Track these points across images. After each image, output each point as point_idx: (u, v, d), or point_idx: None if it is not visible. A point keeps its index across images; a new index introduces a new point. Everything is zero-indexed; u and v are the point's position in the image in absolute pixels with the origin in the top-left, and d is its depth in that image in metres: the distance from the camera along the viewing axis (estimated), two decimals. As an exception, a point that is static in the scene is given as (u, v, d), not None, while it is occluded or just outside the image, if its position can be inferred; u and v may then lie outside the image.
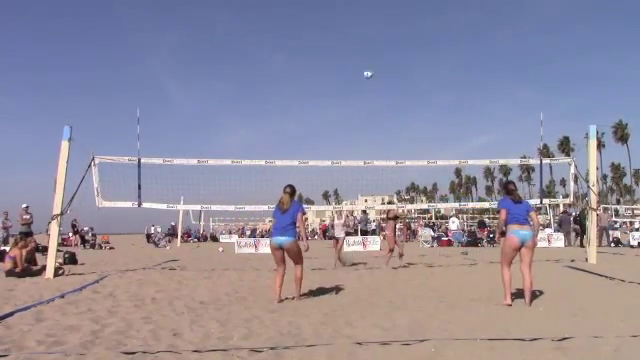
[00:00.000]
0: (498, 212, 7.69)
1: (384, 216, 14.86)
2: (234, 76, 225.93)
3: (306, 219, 8.54)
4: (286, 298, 8.03)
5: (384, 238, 14.56)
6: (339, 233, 14.82)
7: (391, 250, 13.73)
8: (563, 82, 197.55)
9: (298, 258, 8.02)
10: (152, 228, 38.15)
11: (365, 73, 13.47)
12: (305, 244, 8.09)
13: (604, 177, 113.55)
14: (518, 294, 7.45)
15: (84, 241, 28.26)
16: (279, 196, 8.13)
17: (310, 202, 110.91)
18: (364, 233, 27.73)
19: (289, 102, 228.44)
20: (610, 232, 25.59)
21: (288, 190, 8.04)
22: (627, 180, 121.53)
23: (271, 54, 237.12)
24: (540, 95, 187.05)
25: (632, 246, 23.06)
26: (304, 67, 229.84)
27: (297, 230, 7.96)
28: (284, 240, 7.80)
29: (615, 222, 33.06)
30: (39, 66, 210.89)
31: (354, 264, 14.09)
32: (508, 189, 7.60)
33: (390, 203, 18.39)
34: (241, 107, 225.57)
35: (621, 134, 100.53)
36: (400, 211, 15.58)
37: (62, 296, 8.29)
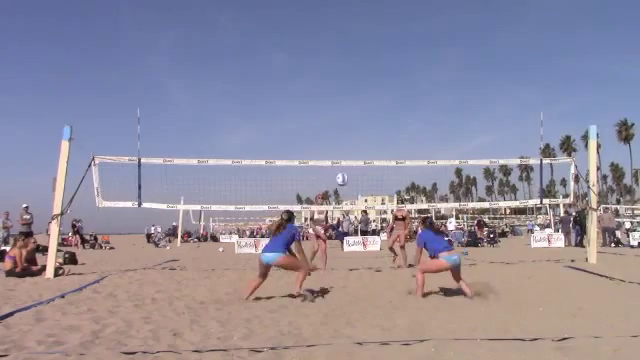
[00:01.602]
0: (418, 244, 8.39)
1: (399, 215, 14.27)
2: (234, 76, 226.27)
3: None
4: (290, 295, 8.10)
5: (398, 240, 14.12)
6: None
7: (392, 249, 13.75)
8: (565, 81, 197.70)
9: (296, 266, 8.02)
10: (152, 228, 38.19)
11: (338, 178, 13.57)
12: (311, 265, 8.24)
13: (604, 177, 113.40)
14: (516, 295, 7.47)
15: (84, 241, 28.27)
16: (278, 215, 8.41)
17: (310, 202, 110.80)
18: (364, 233, 27.73)
19: (289, 102, 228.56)
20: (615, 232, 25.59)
21: (285, 216, 8.17)
22: (627, 180, 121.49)
23: (271, 54, 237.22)
24: (541, 95, 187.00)
25: (632, 246, 23.08)
26: (304, 67, 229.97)
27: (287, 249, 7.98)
28: (271, 257, 7.82)
29: (617, 222, 33.08)
30: (39, 66, 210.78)
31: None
32: (430, 223, 8.77)
33: (401, 202, 18.14)
34: (241, 107, 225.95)
35: (625, 134, 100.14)
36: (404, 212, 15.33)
37: (62, 296, 8.29)
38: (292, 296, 7.99)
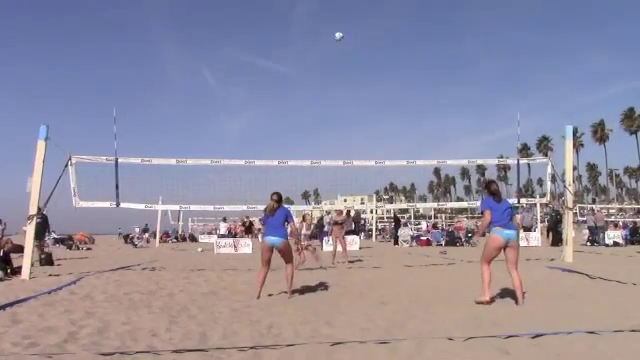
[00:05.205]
0: (481, 213, 7.51)
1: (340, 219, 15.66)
2: (228, 74, 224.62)
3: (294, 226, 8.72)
4: (270, 294, 8.23)
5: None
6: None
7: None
8: (554, 80, 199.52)
9: (289, 257, 8.34)
10: (136, 229, 37.84)
11: (336, 35, 13.58)
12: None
13: (579, 177, 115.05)
14: (500, 292, 7.54)
15: (58, 241, 27.80)
16: (267, 203, 8.42)
17: (290, 202, 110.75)
18: (347, 233, 27.72)
19: (272, 100, 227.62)
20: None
21: (275, 197, 8.34)
22: (602, 180, 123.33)
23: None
24: (523, 94, 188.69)
25: (607, 245, 23.57)
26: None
27: (287, 230, 8.26)
28: (276, 240, 8.08)
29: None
30: (13, 62, 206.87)
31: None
32: (491, 189, 7.38)
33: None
34: (225, 104, 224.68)
35: (600, 134, 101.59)
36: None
37: (38, 297, 8.17)
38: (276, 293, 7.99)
